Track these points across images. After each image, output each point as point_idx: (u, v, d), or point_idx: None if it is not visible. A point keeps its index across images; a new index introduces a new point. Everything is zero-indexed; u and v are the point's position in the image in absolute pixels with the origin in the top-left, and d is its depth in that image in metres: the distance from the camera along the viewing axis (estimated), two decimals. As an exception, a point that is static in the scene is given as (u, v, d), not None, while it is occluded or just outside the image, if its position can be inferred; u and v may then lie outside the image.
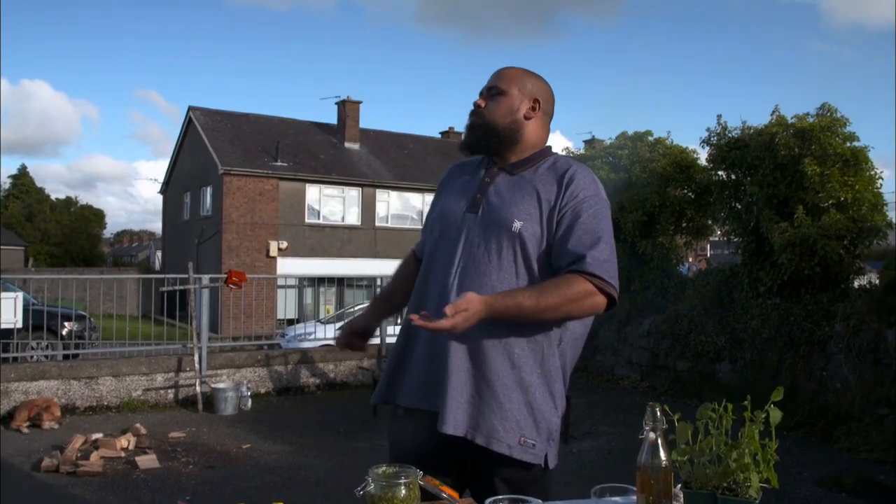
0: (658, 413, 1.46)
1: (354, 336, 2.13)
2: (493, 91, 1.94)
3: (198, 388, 7.27)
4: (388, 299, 2.23)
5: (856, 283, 7.63)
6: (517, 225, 1.79)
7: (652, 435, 1.46)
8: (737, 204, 8.51)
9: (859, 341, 6.62)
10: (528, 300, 1.69)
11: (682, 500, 1.53)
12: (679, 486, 1.56)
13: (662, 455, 1.45)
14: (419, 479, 1.48)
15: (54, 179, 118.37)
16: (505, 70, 1.97)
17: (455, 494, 1.53)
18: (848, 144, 7.69)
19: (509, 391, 1.77)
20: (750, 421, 1.52)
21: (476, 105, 1.95)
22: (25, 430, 6.16)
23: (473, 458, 1.80)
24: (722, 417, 1.56)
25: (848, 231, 7.13)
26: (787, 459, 5.59)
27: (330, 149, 26.52)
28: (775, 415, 1.50)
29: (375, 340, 8.15)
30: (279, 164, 24.17)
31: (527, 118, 1.92)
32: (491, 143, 1.93)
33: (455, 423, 1.75)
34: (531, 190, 1.84)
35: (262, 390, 7.89)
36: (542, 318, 1.73)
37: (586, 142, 19.60)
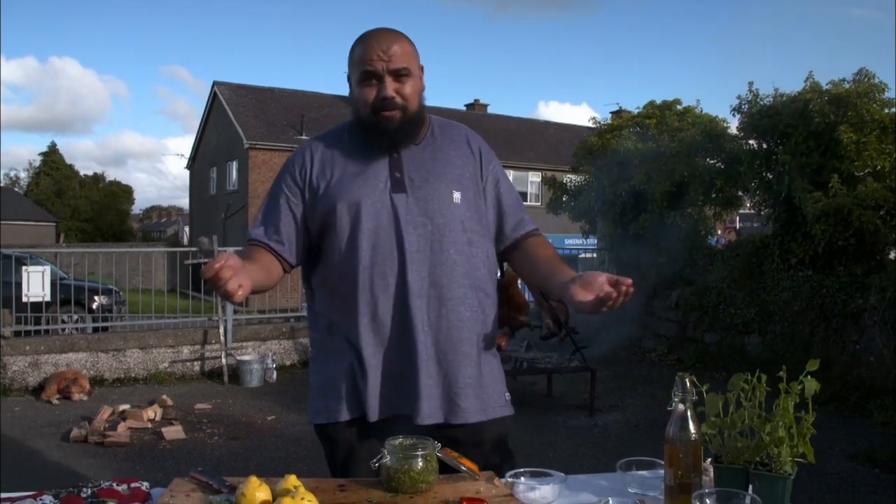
0: (687, 384, 1.40)
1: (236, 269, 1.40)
2: (402, 74, 1.65)
3: (223, 361, 7.32)
4: (259, 265, 1.68)
5: (892, 255, 7.42)
6: (457, 196, 1.71)
7: (681, 407, 1.40)
8: (768, 174, 8.29)
9: (895, 314, 6.45)
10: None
11: (712, 474, 1.47)
12: (709, 460, 1.50)
13: (692, 428, 1.39)
14: (437, 451, 1.43)
15: (85, 157, 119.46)
16: (399, 44, 1.67)
17: (474, 467, 1.48)
18: (886, 111, 7.43)
19: (489, 355, 1.77)
20: (785, 392, 1.44)
21: (392, 96, 1.64)
22: (55, 402, 6.26)
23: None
24: (755, 389, 1.49)
25: (885, 201, 6.90)
26: (818, 434, 5.42)
27: (354, 122, 26.44)
28: (811, 386, 1.43)
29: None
30: (304, 137, 24.16)
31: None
32: (414, 132, 1.73)
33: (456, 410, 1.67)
34: (446, 157, 1.75)
35: (288, 362, 7.93)
36: None
37: (613, 113, 19.32)
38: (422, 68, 1.75)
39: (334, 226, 1.68)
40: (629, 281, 1.47)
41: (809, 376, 1.43)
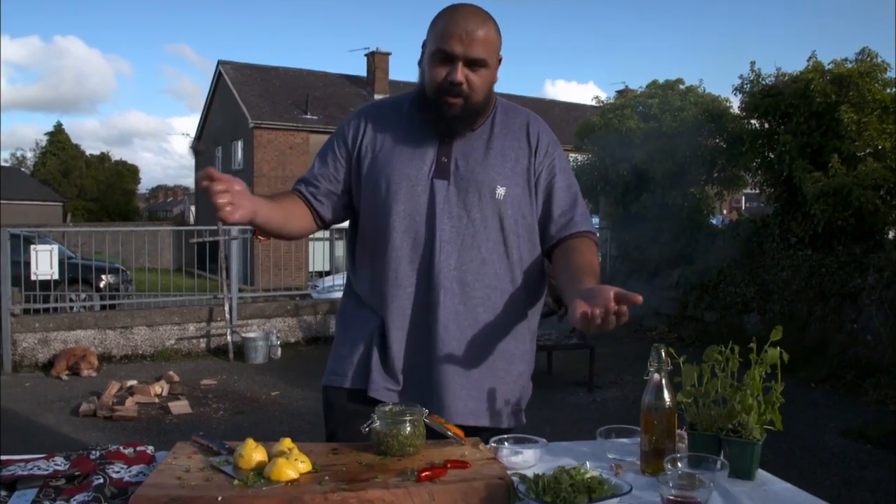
0: (663, 354, 1.47)
1: (235, 189, 1.38)
2: (477, 64, 1.58)
3: (229, 338, 7.43)
4: (279, 205, 1.63)
5: (891, 235, 7.46)
6: (501, 192, 1.63)
7: (656, 376, 1.47)
8: (769, 153, 8.31)
9: (892, 293, 6.50)
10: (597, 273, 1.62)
11: (686, 441, 1.55)
12: (684, 427, 1.57)
13: (666, 396, 1.46)
14: (425, 417, 1.50)
15: (91, 136, 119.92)
16: (486, 29, 1.58)
17: (460, 433, 1.56)
18: (888, 91, 7.44)
19: (504, 363, 1.72)
20: (755, 363, 1.52)
21: (461, 82, 1.56)
22: (65, 378, 6.38)
23: None
24: (728, 360, 1.56)
25: (885, 180, 6.92)
26: (813, 411, 5.58)
27: (360, 101, 26.36)
28: (773, 354, 1.50)
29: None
30: (309, 117, 24.16)
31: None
32: (472, 122, 1.66)
33: (472, 411, 1.68)
34: (500, 148, 1.67)
35: (292, 340, 8.04)
36: None
37: (619, 92, 19.23)
38: (500, 59, 1.66)
39: (373, 201, 1.66)
40: (639, 299, 1.34)
41: (774, 345, 1.50)
